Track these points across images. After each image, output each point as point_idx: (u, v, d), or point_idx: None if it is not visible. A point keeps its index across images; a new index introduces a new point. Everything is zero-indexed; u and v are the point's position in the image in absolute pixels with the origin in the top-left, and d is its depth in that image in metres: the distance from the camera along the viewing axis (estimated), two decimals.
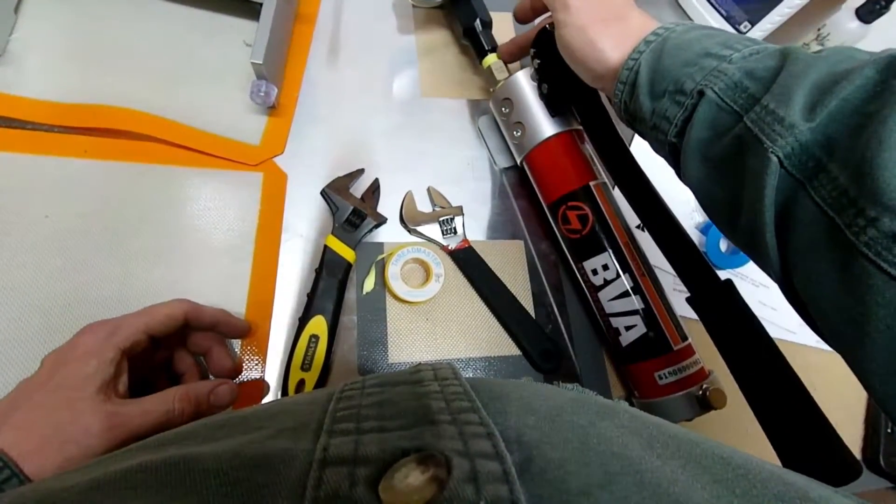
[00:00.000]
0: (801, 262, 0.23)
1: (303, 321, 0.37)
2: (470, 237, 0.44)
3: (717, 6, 0.57)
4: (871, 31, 0.55)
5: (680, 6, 0.61)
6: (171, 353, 0.34)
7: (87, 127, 0.40)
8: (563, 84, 0.39)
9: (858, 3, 0.52)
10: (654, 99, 0.29)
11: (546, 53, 0.40)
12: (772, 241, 0.24)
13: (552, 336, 0.42)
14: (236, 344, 0.37)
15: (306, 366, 0.36)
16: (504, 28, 0.53)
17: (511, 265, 0.44)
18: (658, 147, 0.32)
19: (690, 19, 0.60)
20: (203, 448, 0.16)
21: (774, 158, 0.22)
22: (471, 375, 0.40)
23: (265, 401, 0.36)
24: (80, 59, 0.43)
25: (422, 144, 0.47)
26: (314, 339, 0.37)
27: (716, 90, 0.26)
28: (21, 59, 0.41)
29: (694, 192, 0.30)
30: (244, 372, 0.37)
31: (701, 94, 0.26)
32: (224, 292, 0.38)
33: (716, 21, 0.58)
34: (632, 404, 0.40)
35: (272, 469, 0.15)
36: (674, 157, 0.30)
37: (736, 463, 0.15)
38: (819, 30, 0.56)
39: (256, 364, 0.37)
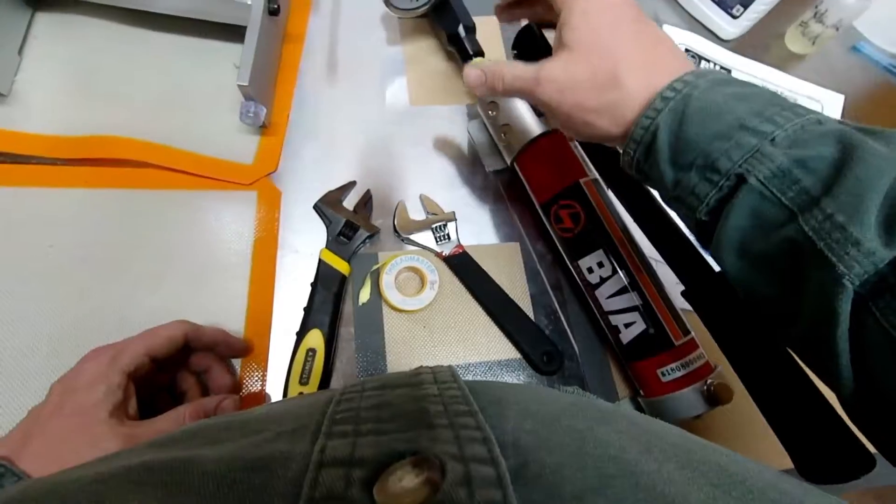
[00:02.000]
0: (876, 380, 0.22)
1: (300, 335, 0.38)
2: (465, 242, 0.44)
3: None
4: (873, 4, 0.53)
5: None
6: (173, 373, 0.35)
7: (88, 157, 0.42)
8: None
9: None
10: (678, 169, 0.26)
11: (528, 54, 0.40)
12: (846, 365, 0.22)
13: (553, 337, 0.42)
14: (237, 360, 0.38)
15: (304, 379, 0.37)
16: (488, 31, 0.53)
17: (507, 268, 0.44)
18: (678, 214, 0.29)
19: (680, 5, 0.59)
20: (205, 450, 0.16)
21: (850, 286, 0.21)
22: (471, 380, 0.40)
23: None
24: (80, 93, 0.44)
25: (413, 153, 0.48)
26: (311, 352, 0.37)
27: (760, 178, 0.23)
28: (25, 97, 0.43)
29: (729, 278, 0.27)
30: (246, 387, 0.37)
31: (741, 178, 0.24)
32: (223, 310, 0.39)
33: (707, 7, 0.57)
34: (637, 404, 0.39)
35: (270, 470, 0.15)
36: (700, 231, 0.28)
37: (733, 470, 0.15)
38: (816, 6, 0.54)
39: (257, 380, 0.38)
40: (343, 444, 0.16)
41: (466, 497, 0.13)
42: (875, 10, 0.55)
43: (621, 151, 0.29)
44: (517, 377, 0.40)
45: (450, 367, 0.21)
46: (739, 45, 0.58)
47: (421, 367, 0.22)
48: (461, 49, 0.47)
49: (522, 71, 0.31)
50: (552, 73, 0.29)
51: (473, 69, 0.34)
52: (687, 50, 0.56)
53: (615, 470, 0.15)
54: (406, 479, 0.14)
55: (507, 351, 0.41)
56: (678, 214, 0.29)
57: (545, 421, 0.18)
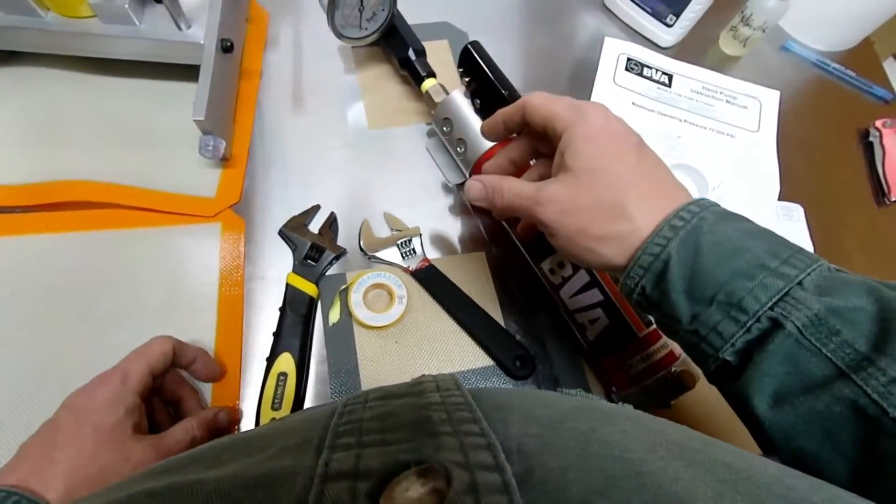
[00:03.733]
0: None
1: (270, 361, 0.38)
2: (432, 255, 0.45)
3: (641, 5, 0.59)
4: (797, 6, 0.57)
5: (609, 10, 0.64)
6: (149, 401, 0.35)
7: (48, 203, 0.42)
8: (492, 97, 0.41)
9: None
10: (694, 302, 0.25)
11: (472, 71, 0.42)
12: None
13: (524, 342, 0.43)
14: (207, 391, 0.38)
15: (276, 404, 0.37)
16: (438, 55, 0.56)
17: (475, 277, 0.45)
18: (690, 348, 0.28)
19: (619, 18, 0.63)
20: (207, 473, 0.16)
21: None
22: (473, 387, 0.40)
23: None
24: (38, 141, 0.45)
25: (374, 174, 0.49)
26: (283, 376, 0.37)
27: (798, 325, 0.23)
28: None
29: (762, 426, 0.25)
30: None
31: (775, 322, 0.23)
32: (192, 342, 0.39)
33: (644, 19, 0.60)
34: (612, 401, 0.40)
35: (275, 487, 0.15)
36: (719, 371, 0.26)
37: (738, 466, 0.16)
38: (742, 11, 0.58)
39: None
40: (347, 457, 0.16)
41: None
42: (797, 10, 0.59)
43: (621, 277, 0.28)
44: (492, 384, 0.41)
45: (452, 375, 0.22)
46: (678, 52, 0.62)
47: (423, 375, 0.22)
48: (413, 72, 0.49)
49: (522, 188, 0.31)
50: (555, 195, 0.29)
51: (476, 182, 0.34)
52: (629, 59, 0.59)
53: (620, 471, 0.15)
54: (412, 490, 0.14)
55: (481, 359, 0.42)
56: (688, 349, 0.28)
57: (549, 425, 0.18)
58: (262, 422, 0.36)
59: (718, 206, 0.28)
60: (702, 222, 0.26)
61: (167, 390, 0.35)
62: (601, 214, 0.28)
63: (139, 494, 0.16)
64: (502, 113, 0.35)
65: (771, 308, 0.24)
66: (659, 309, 0.27)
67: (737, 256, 0.25)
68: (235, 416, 0.37)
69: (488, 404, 0.19)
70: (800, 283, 0.24)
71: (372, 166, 0.49)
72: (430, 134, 0.52)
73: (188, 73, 0.47)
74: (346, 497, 0.14)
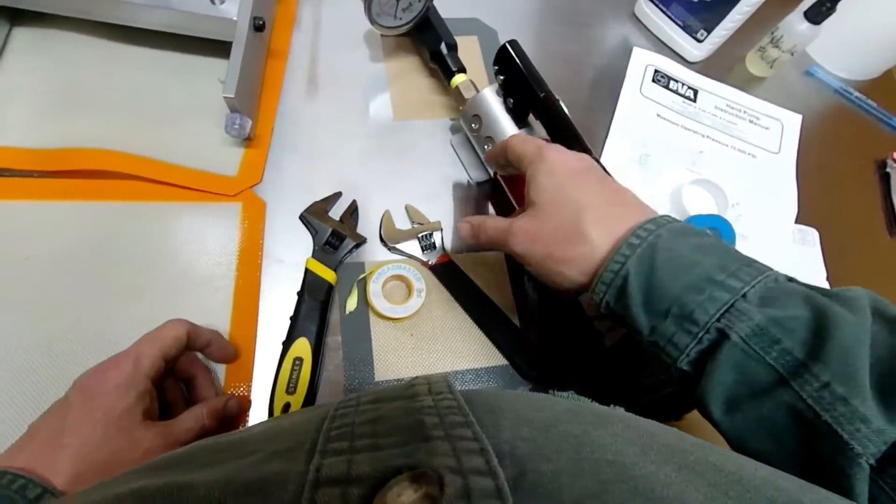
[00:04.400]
0: None
1: (286, 345, 0.38)
2: (450, 251, 0.45)
3: (673, 18, 0.60)
4: (824, 32, 0.57)
5: (639, 20, 0.64)
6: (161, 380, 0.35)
7: (66, 170, 0.41)
8: (527, 96, 0.40)
9: (808, 6, 0.55)
10: (652, 315, 0.27)
11: (508, 69, 0.42)
12: None
13: (538, 344, 0.42)
14: (220, 371, 0.37)
15: (291, 389, 0.36)
16: (469, 50, 0.55)
17: (493, 276, 0.45)
18: (654, 358, 0.29)
19: (648, 29, 0.63)
20: (198, 475, 0.16)
21: (866, 467, 0.21)
22: (460, 388, 0.40)
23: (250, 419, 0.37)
24: (58, 106, 0.44)
25: (397, 165, 0.48)
26: (298, 361, 0.37)
27: (741, 335, 0.24)
28: (2, 110, 0.42)
29: (719, 430, 0.27)
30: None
31: (722, 333, 0.25)
32: (207, 322, 0.38)
33: (674, 31, 0.60)
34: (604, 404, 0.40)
35: (265, 493, 0.15)
36: (682, 379, 0.28)
37: (729, 469, 0.16)
38: (773, 33, 0.58)
39: (242, 391, 0.37)
40: (339, 462, 0.15)
41: None
42: (824, 37, 0.59)
43: (588, 295, 0.31)
44: (504, 384, 0.41)
45: (445, 376, 0.21)
46: (703, 67, 0.62)
47: (416, 378, 0.22)
48: (443, 66, 0.49)
49: (499, 223, 0.35)
50: (523, 226, 0.33)
51: (464, 224, 0.38)
52: (657, 71, 0.59)
53: (613, 474, 0.15)
54: (405, 495, 0.14)
55: (494, 358, 0.42)
56: (653, 358, 0.29)
57: (541, 427, 0.18)
58: (275, 405, 0.36)
59: (676, 221, 0.30)
60: (657, 239, 0.28)
61: (180, 369, 0.35)
62: (563, 239, 0.31)
63: (130, 494, 0.15)
64: (492, 152, 0.40)
65: (718, 319, 0.25)
66: (623, 322, 0.30)
67: (688, 271, 0.27)
68: (245, 406, 0.36)
69: (480, 408, 0.18)
70: (744, 296, 0.25)
71: (394, 157, 0.49)
72: (455, 129, 0.51)
73: (215, 48, 0.46)
74: (337, 503, 0.14)
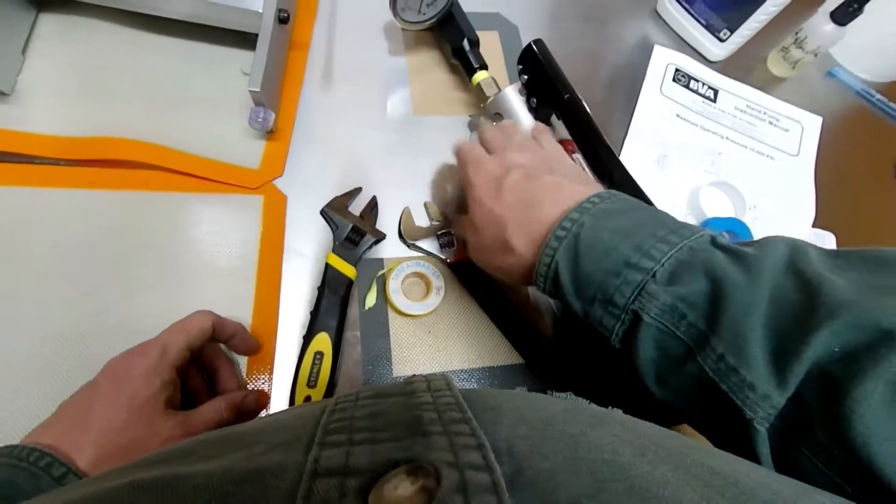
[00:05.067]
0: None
1: (307, 339, 0.38)
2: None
3: (696, 16, 0.59)
4: (848, 33, 0.57)
5: (661, 17, 0.63)
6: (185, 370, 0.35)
7: (92, 159, 0.41)
8: (550, 96, 0.40)
9: (834, 6, 0.54)
10: (583, 302, 0.30)
11: (533, 69, 0.42)
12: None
13: (555, 342, 0.43)
14: (242, 363, 0.38)
15: (312, 382, 0.37)
16: (491, 46, 0.55)
17: None
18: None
19: (669, 27, 0.62)
20: (196, 466, 0.16)
21: (762, 430, 0.22)
22: (475, 385, 0.41)
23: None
24: (85, 94, 0.44)
25: (417, 161, 0.49)
26: (319, 355, 0.38)
27: (651, 315, 0.26)
28: (28, 97, 0.43)
29: (659, 402, 0.29)
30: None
31: (636, 314, 0.27)
32: (228, 314, 0.38)
33: (696, 30, 0.60)
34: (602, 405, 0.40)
35: (263, 482, 0.15)
36: (620, 356, 0.30)
37: (726, 472, 0.16)
38: (797, 33, 0.57)
39: (263, 383, 0.38)
40: (337, 454, 0.16)
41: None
42: (848, 38, 0.58)
43: (534, 285, 0.33)
44: (521, 381, 0.41)
45: (444, 375, 0.22)
46: (724, 67, 0.61)
47: (415, 375, 0.22)
48: (466, 62, 0.48)
49: (462, 231, 0.40)
50: (471, 245, 0.38)
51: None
52: (677, 70, 0.58)
53: (609, 474, 0.15)
54: (401, 488, 0.14)
55: (511, 356, 0.42)
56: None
57: (539, 426, 0.18)
58: (297, 398, 0.36)
59: (604, 203, 0.31)
60: (580, 228, 0.30)
61: (205, 360, 0.36)
62: (498, 251, 0.34)
63: (126, 486, 0.15)
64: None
65: (632, 302, 0.27)
66: (565, 307, 0.32)
67: (607, 255, 0.28)
68: (264, 401, 0.37)
69: (479, 405, 0.19)
70: (654, 276, 0.27)
71: (414, 153, 0.49)
72: (472, 126, 0.51)
73: (239, 39, 0.47)
74: (335, 493, 0.14)
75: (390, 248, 0.45)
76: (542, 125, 0.41)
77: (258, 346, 0.38)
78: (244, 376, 0.38)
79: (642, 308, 0.26)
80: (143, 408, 0.29)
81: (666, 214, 0.31)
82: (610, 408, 0.23)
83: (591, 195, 0.31)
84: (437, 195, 0.47)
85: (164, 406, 0.30)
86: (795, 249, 0.26)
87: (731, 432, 0.24)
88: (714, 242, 0.28)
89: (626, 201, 0.32)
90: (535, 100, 0.42)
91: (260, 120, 0.42)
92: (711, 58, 0.61)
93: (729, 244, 0.27)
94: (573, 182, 0.34)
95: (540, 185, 0.34)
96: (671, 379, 0.27)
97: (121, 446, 0.28)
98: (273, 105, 0.45)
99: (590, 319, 0.30)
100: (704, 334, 0.24)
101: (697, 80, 0.59)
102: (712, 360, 0.24)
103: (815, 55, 0.57)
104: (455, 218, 0.41)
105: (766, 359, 0.22)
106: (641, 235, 0.28)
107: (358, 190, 0.45)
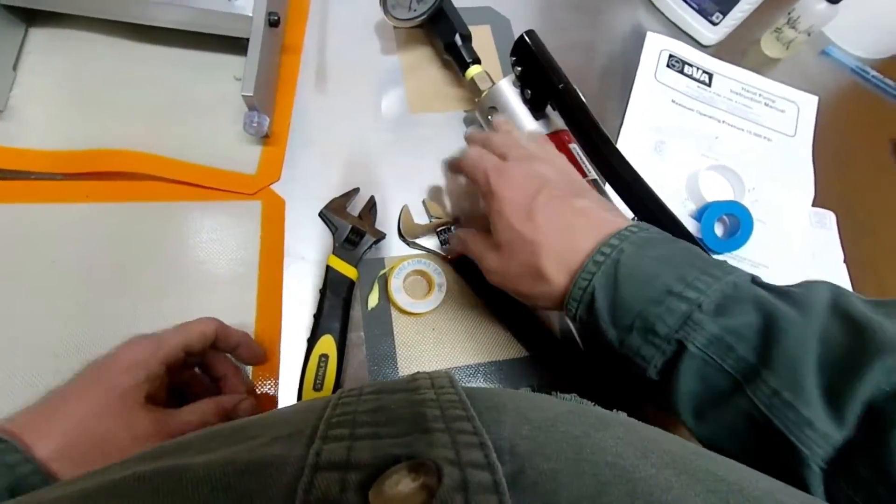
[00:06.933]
0: None
1: (311, 342, 0.38)
2: None
3: (688, 1, 0.59)
4: (841, 11, 0.56)
5: (653, 3, 0.63)
6: (190, 373, 0.36)
7: (88, 172, 0.41)
8: (545, 87, 0.40)
9: None
10: (619, 330, 0.28)
11: (526, 60, 0.42)
12: None
13: (559, 335, 0.43)
14: (248, 368, 0.38)
15: (318, 385, 0.37)
16: (483, 40, 0.55)
17: None
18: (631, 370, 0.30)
19: (661, 13, 0.62)
20: (196, 459, 0.16)
21: (818, 470, 0.22)
22: (481, 381, 0.41)
23: None
24: (77, 106, 0.44)
25: (414, 159, 0.48)
26: (324, 358, 0.38)
27: (697, 345, 0.25)
28: (21, 112, 0.43)
29: (695, 436, 0.28)
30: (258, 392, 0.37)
31: (681, 344, 0.26)
32: (232, 321, 0.38)
33: (689, 15, 0.59)
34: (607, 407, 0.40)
35: (264, 474, 0.15)
36: (654, 387, 0.29)
37: (731, 479, 0.16)
38: (789, 13, 0.57)
39: (269, 387, 0.38)
40: (339, 448, 0.16)
41: (463, 502, 0.13)
42: (842, 16, 0.58)
43: (564, 311, 0.32)
44: (527, 376, 0.41)
45: (447, 372, 0.22)
46: (717, 51, 0.61)
47: (418, 372, 0.22)
48: (458, 58, 0.48)
49: (477, 247, 0.36)
50: (491, 266, 0.34)
51: (454, 238, 0.40)
52: (671, 55, 0.58)
53: (612, 476, 0.15)
54: (402, 484, 0.14)
55: (516, 350, 0.42)
56: (626, 365, 0.30)
57: (542, 427, 0.18)
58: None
59: (642, 232, 0.30)
60: (620, 255, 0.28)
61: (211, 368, 0.35)
62: (527, 276, 0.32)
63: (128, 478, 0.15)
64: (452, 162, 0.40)
65: (676, 331, 0.26)
66: (597, 337, 0.30)
67: (649, 284, 0.27)
68: (261, 408, 0.36)
69: (482, 404, 0.19)
70: (699, 306, 0.26)
71: (411, 151, 0.49)
72: (469, 122, 0.51)
73: (230, 44, 0.46)
74: (335, 487, 0.14)
75: (391, 248, 0.45)
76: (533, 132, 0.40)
77: (264, 356, 0.38)
78: (250, 380, 0.37)
79: (687, 338, 0.25)
80: (123, 398, 0.28)
81: (700, 250, 0.30)
82: (615, 410, 0.23)
83: (629, 224, 0.31)
84: (451, 187, 0.45)
85: (143, 400, 0.29)
86: (839, 293, 0.26)
87: (778, 469, 0.23)
88: (755, 280, 0.28)
89: (662, 233, 0.31)
90: (529, 91, 0.42)
91: (255, 125, 0.42)
92: (705, 42, 0.60)
93: (770, 284, 0.27)
94: (601, 209, 0.33)
95: (571, 210, 0.32)
96: (712, 413, 0.26)
97: (90, 435, 0.27)
98: (267, 109, 0.44)
99: (625, 349, 0.28)
100: (755, 368, 0.24)
101: (692, 65, 0.58)
102: (765, 395, 0.23)
103: (809, 34, 0.57)
104: (466, 233, 0.38)
105: (822, 396, 0.22)
106: (684, 266, 0.28)
107: (356, 190, 0.45)
